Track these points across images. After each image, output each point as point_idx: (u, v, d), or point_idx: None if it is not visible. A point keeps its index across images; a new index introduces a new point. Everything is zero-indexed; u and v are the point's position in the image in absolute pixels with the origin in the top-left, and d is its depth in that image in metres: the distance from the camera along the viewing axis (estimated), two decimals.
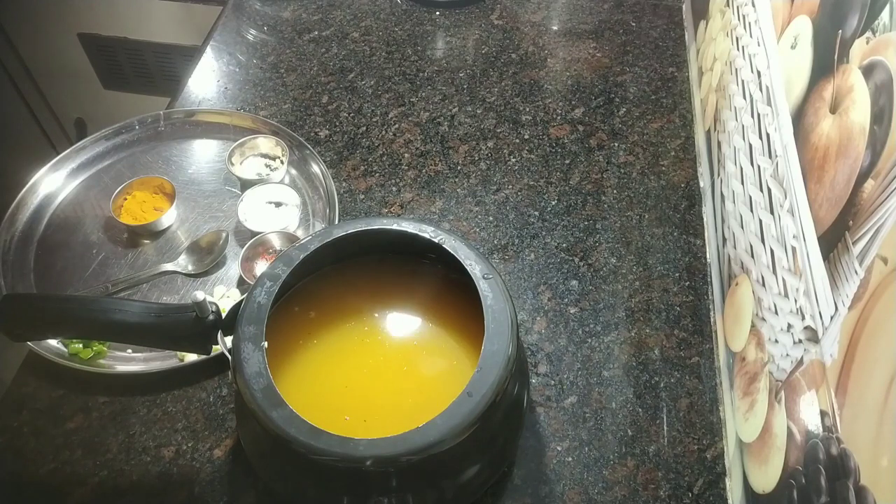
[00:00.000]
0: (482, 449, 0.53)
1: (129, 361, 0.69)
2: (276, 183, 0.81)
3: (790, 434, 0.51)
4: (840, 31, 0.52)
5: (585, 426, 0.66)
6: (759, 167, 0.64)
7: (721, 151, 0.77)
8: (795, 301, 0.53)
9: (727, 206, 0.73)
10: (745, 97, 0.71)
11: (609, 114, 0.92)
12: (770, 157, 0.62)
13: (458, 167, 0.86)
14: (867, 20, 0.48)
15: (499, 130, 0.90)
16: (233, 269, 0.76)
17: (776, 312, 0.57)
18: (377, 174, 0.85)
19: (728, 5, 0.82)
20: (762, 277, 0.60)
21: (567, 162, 0.86)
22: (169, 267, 0.75)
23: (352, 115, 0.92)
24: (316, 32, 1.03)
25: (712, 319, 0.73)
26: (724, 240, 0.73)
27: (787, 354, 0.53)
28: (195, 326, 0.55)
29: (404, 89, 0.95)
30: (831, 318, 0.47)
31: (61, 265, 0.76)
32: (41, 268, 0.76)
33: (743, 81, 0.72)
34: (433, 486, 0.52)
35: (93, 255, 0.77)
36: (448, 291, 0.61)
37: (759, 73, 0.68)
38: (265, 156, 0.85)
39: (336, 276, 0.62)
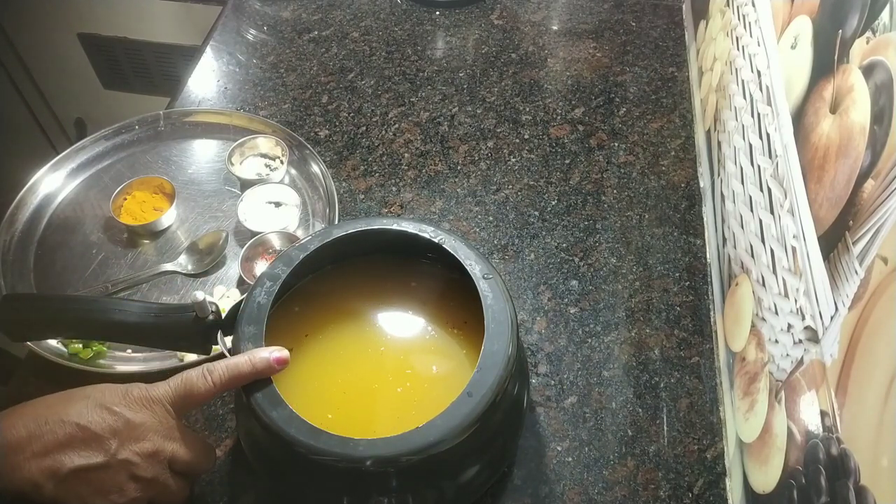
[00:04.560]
0: (482, 449, 0.53)
1: (129, 361, 0.69)
2: (276, 183, 0.81)
3: (790, 434, 0.51)
4: (840, 31, 0.52)
5: (585, 426, 0.66)
6: (759, 167, 0.64)
7: (721, 151, 0.77)
8: (795, 301, 0.53)
9: (727, 206, 0.73)
10: (745, 97, 0.71)
11: (609, 114, 0.92)
12: (770, 156, 0.62)
13: (458, 167, 0.86)
14: (867, 20, 0.48)
15: (499, 130, 0.90)
16: (233, 269, 0.76)
17: (776, 312, 0.57)
18: (377, 174, 0.85)
19: (728, 5, 0.82)
20: (762, 277, 0.60)
21: (567, 162, 0.86)
22: (169, 267, 0.75)
23: (352, 115, 0.92)
24: (316, 32, 1.03)
25: (712, 319, 0.73)
26: (724, 240, 0.73)
27: (788, 354, 0.53)
28: (195, 326, 0.55)
29: (404, 89, 0.95)
30: (831, 318, 0.47)
31: (61, 265, 0.76)
32: (41, 268, 0.76)
33: (743, 81, 0.72)
34: (433, 486, 0.52)
35: (93, 255, 0.77)
36: (448, 291, 0.61)
37: (759, 72, 0.68)
38: (265, 156, 0.85)
39: (336, 276, 0.62)
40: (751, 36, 0.72)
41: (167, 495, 0.51)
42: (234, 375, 0.50)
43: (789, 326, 0.54)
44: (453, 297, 0.60)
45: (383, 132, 0.90)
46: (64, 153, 0.84)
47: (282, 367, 0.51)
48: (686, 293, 0.75)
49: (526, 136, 0.89)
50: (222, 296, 0.73)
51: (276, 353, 0.51)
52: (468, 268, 0.55)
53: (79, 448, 0.47)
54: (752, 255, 0.63)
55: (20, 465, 0.45)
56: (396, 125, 0.90)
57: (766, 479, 0.54)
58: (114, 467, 0.47)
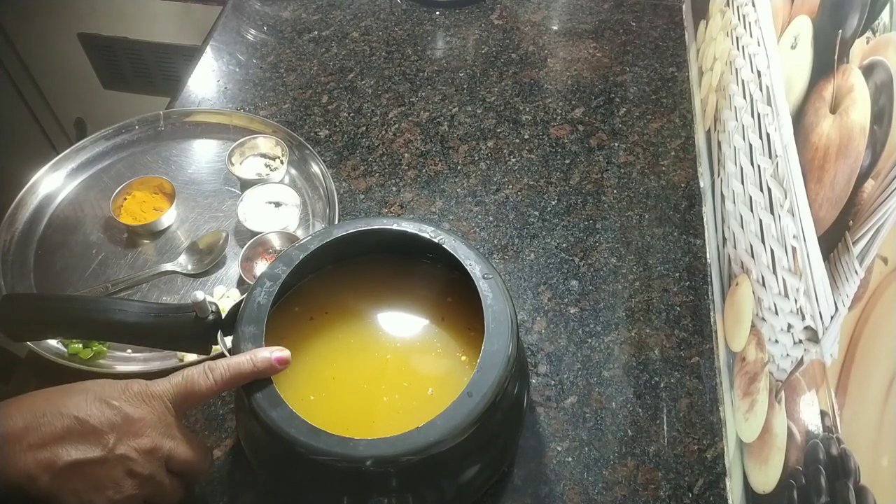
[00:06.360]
0: (482, 449, 0.53)
1: (129, 361, 0.69)
2: (276, 183, 0.81)
3: (790, 434, 0.51)
4: (840, 31, 0.52)
5: (585, 426, 0.66)
6: (759, 167, 0.64)
7: (721, 151, 0.77)
8: (795, 301, 0.53)
9: (727, 206, 0.73)
10: (745, 97, 0.71)
11: (609, 114, 0.92)
12: (770, 156, 0.62)
13: (458, 167, 0.86)
14: (867, 20, 0.48)
15: (499, 130, 0.90)
16: (233, 269, 0.76)
17: (776, 312, 0.57)
18: (377, 174, 0.85)
19: (728, 5, 0.82)
20: (762, 277, 0.60)
21: (567, 162, 0.86)
22: (169, 267, 0.75)
23: (352, 115, 0.92)
24: (316, 32, 1.03)
25: (712, 319, 0.73)
26: (724, 240, 0.73)
27: (788, 354, 0.53)
28: (195, 326, 0.55)
29: (404, 89, 0.95)
30: (831, 318, 0.47)
31: (61, 265, 0.76)
32: (41, 268, 0.76)
33: (743, 81, 0.72)
34: (433, 486, 0.52)
35: (93, 255, 0.77)
36: (448, 291, 0.61)
37: (759, 72, 0.68)
38: (265, 156, 0.85)
39: (336, 276, 0.62)
40: (751, 36, 0.72)
41: (162, 494, 0.50)
42: (235, 374, 0.50)
43: (789, 326, 0.54)
44: (453, 298, 0.60)
45: (383, 132, 0.90)
46: (64, 153, 0.84)
47: (283, 367, 0.51)
48: (686, 293, 0.75)
49: (526, 136, 0.89)
50: (222, 296, 0.73)
51: (277, 352, 0.51)
52: (468, 268, 0.55)
53: (76, 441, 0.46)
54: (752, 255, 0.63)
55: (16, 456, 0.45)
56: (396, 125, 0.90)
57: (766, 479, 0.54)
58: (111, 462, 0.47)
